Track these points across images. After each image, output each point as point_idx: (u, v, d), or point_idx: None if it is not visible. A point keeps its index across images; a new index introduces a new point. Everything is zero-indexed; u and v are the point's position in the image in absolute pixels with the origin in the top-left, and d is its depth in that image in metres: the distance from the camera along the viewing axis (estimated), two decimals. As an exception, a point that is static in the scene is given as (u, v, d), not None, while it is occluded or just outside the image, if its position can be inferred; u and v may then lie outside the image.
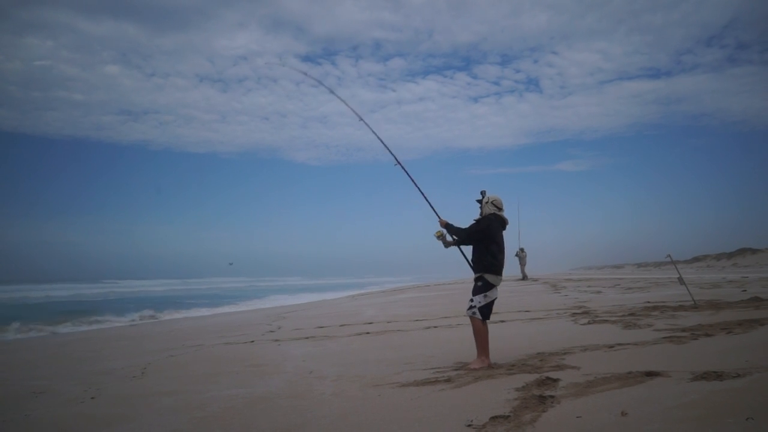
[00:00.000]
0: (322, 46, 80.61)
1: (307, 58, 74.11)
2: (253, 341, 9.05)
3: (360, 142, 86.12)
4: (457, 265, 6.20)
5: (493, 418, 3.56)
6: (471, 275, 5.77)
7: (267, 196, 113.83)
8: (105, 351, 8.96)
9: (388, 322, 10.82)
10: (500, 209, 5.76)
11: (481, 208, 5.83)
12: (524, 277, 27.12)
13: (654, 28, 72.62)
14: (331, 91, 8.26)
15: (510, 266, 6.47)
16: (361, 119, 7.20)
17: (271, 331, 10.55)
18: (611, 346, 6.08)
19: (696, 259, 59.54)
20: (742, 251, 53.00)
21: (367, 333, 9.22)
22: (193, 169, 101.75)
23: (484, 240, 5.62)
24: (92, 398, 5.14)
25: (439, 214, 6.02)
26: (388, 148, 6.74)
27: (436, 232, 5.89)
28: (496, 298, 5.66)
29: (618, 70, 75.15)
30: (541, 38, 76.91)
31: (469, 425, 3.47)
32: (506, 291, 18.15)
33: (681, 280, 10.61)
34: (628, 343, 6.22)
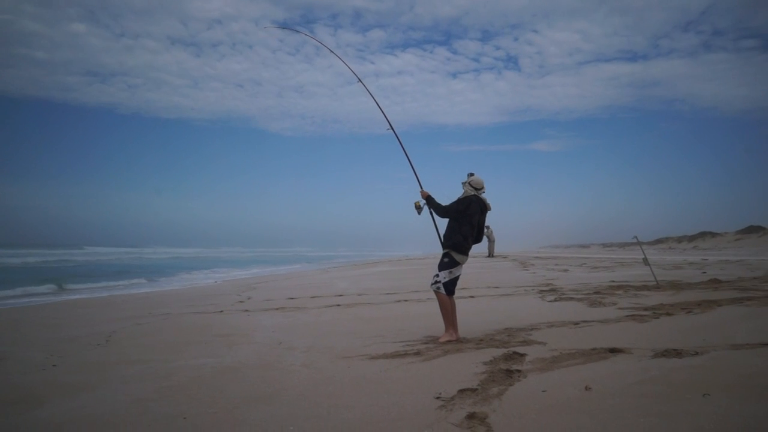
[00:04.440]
0: (300, 12, 77.99)
1: (284, 25, 72.00)
2: (222, 311, 8.97)
3: (336, 113, 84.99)
4: (429, 241, 6.25)
5: (461, 391, 3.61)
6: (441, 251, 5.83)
7: (239, 165, 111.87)
8: (68, 318, 8.76)
9: (359, 295, 10.86)
10: (477, 189, 5.77)
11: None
12: (490, 255, 27.50)
13: (634, 10, 72.91)
14: (332, 52, 7.95)
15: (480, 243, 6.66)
16: (360, 81, 7.30)
17: (241, 302, 10.47)
18: (576, 323, 6.23)
19: (659, 241, 61.42)
20: (703, 234, 54.96)
21: (338, 305, 9.23)
22: (162, 135, 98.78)
23: (459, 219, 5.65)
24: (54, 365, 5.02)
25: (422, 185, 6.11)
26: (383, 112, 6.85)
27: (416, 203, 5.96)
28: (459, 275, 5.74)
29: (596, 51, 75.45)
30: (522, 15, 76.42)
31: (438, 397, 3.52)
32: (476, 267, 18.42)
33: (646, 261, 10.92)
34: (593, 321, 6.38)
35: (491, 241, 27.59)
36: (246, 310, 8.99)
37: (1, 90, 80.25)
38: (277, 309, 9.04)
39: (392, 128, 6.61)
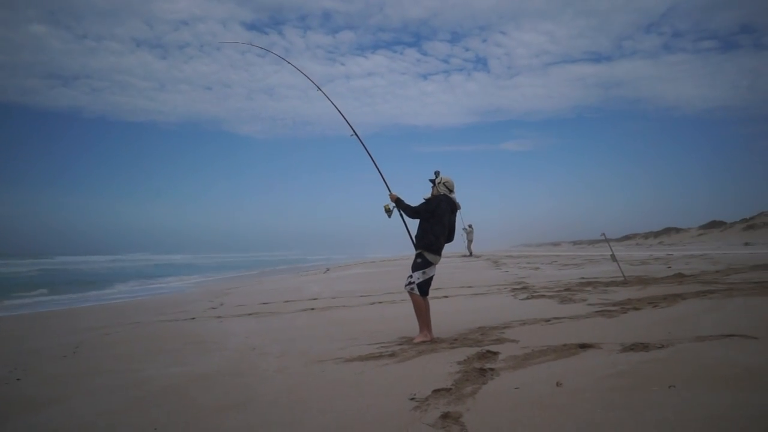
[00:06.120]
0: (268, 14, 77.39)
1: (252, 27, 71.29)
2: (194, 318, 8.82)
3: (308, 115, 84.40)
4: (402, 242, 6.26)
5: (436, 391, 3.63)
6: (413, 252, 5.85)
7: (210, 169, 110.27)
8: (33, 330, 8.49)
9: (332, 298, 10.82)
10: (451, 191, 5.82)
11: (433, 187, 5.88)
12: (469, 254, 27.69)
13: (599, 12, 74.63)
14: (293, 65, 7.96)
15: (457, 242, 6.71)
16: (320, 89, 7.25)
17: (213, 308, 10.32)
18: (548, 320, 6.33)
19: (626, 237, 62.78)
20: (668, 230, 56.36)
21: (312, 309, 9.18)
22: (130, 139, 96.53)
23: (430, 219, 5.68)
24: (18, 380, 4.86)
25: (390, 188, 6.10)
26: (345, 119, 6.83)
27: (385, 206, 5.96)
28: (433, 275, 5.77)
29: (563, 53, 77.03)
30: (490, 17, 77.49)
31: (412, 398, 3.53)
32: (450, 267, 18.54)
33: (613, 257, 11.17)
34: (564, 317, 6.49)
35: (470, 240, 27.75)
36: (218, 317, 8.86)
37: (-42, 94, 77.34)
38: (250, 314, 8.93)
39: (356, 134, 6.59)
